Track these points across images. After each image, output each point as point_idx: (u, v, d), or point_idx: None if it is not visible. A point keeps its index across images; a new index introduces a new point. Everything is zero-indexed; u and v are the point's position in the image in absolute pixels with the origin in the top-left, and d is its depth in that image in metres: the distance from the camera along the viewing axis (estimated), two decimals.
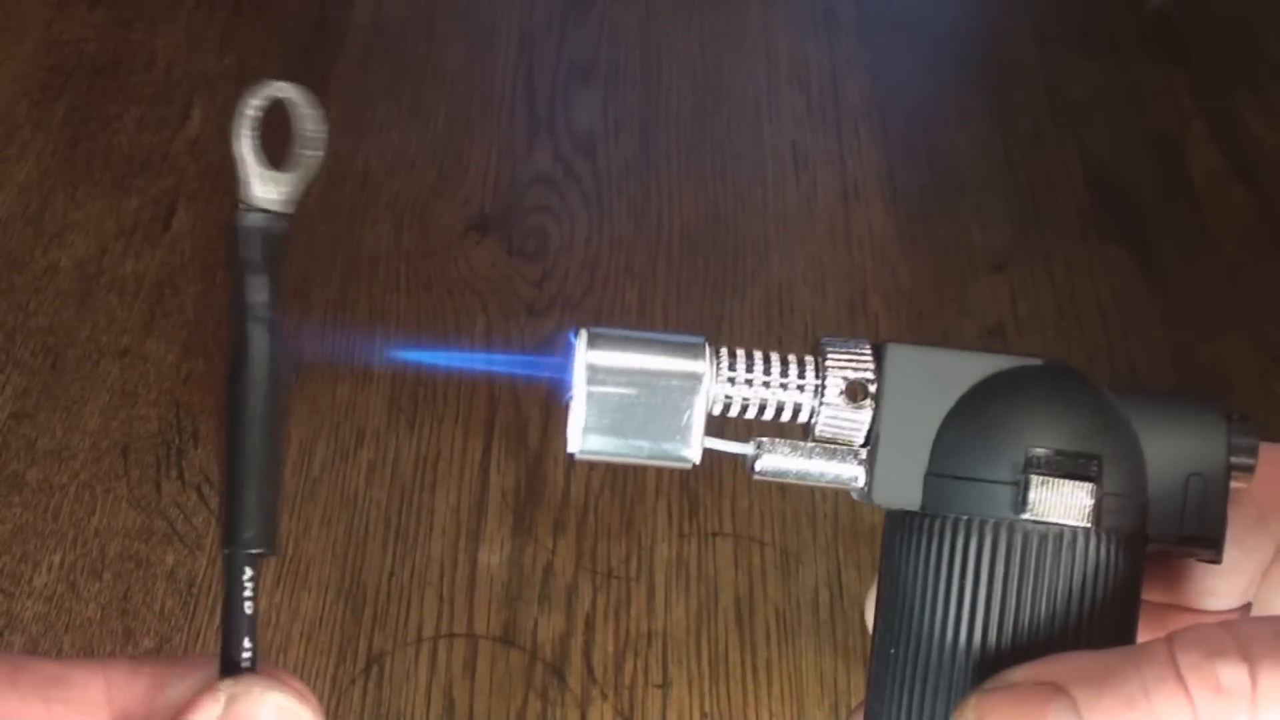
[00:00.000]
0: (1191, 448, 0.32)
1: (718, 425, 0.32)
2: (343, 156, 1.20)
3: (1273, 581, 0.33)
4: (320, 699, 0.94)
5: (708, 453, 0.32)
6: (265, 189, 0.30)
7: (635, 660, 0.88)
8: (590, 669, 0.87)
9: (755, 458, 0.32)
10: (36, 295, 1.07)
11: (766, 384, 0.32)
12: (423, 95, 1.26)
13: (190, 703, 0.29)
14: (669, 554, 0.93)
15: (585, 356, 0.31)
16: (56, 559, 0.91)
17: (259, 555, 0.30)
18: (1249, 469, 0.32)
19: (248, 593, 0.30)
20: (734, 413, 0.32)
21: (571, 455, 0.32)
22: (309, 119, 0.30)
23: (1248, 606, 0.35)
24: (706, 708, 0.86)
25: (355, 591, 0.90)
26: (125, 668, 0.31)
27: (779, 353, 0.32)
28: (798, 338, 1.07)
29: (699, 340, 0.32)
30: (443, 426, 1.00)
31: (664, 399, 0.31)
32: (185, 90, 1.25)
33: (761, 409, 0.32)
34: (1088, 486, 0.30)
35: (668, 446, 0.31)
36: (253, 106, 0.30)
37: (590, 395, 0.31)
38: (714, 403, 0.32)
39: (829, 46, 1.34)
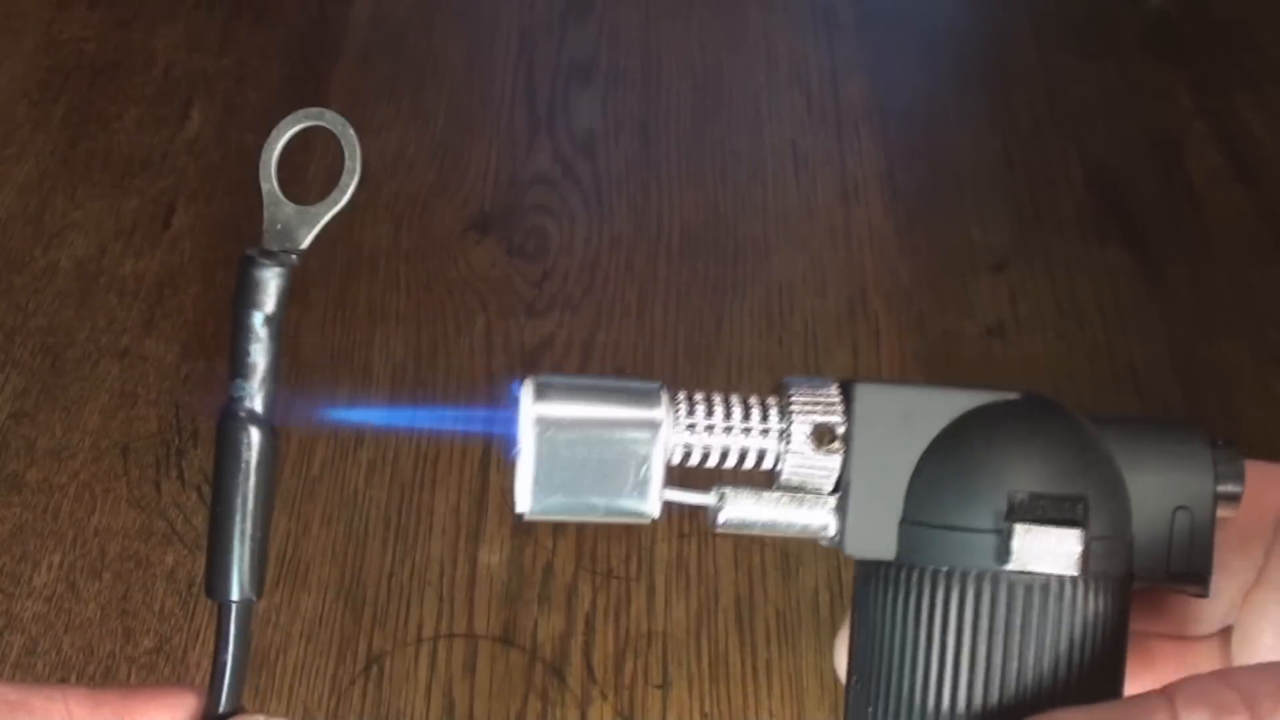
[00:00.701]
0: (1177, 480, 0.30)
1: (677, 475, 0.30)
2: (343, 156, 1.19)
3: (1254, 606, 0.33)
4: (320, 699, 0.93)
5: (667, 509, 0.30)
6: (293, 228, 0.30)
7: (635, 660, 0.88)
8: (590, 669, 0.87)
9: (718, 509, 0.30)
10: (36, 295, 1.07)
11: (728, 430, 0.30)
12: (423, 95, 1.26)
13: None
14: (669, 554, 0.93)
15: (532, 409, 0.29)
16: (56, 559, 0.91)
17: (240, 604, 0.30)
18: (1235, 497, 0.31)
19: (233, 638, 0.30)
20: (694, 461, 0.30)
21: (520, 516, 0.30)
22: (349, 148, 0.30)
23: (1228, 630, 0.34)
24: (706, 708, 0.86)
25: (355, 591, 0.90)
26: (86, 696, 0.30)
27: (740, 395, 0.31)
28: (798, 338, 1.07)
29: (655, 386, 0.30)
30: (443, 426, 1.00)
31: (619, 451, 0.29)
32: (185, 90, 1.25)
33: (724, 456, 0.30)
34: (1075, 533, 0.28)
35: (625, 503, 0.29)
36: (283, 139, 0.30)
37: (539, 451, 0.29)
38: (673, 452, 0.30)
39: (829, 46, 1.34)
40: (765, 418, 0.30)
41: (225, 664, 0.30)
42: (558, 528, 0.94)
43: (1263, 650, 0.32)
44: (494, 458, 0.98)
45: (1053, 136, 1.26)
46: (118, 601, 0.89)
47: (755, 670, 0.88)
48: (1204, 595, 0.31)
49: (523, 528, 0.94)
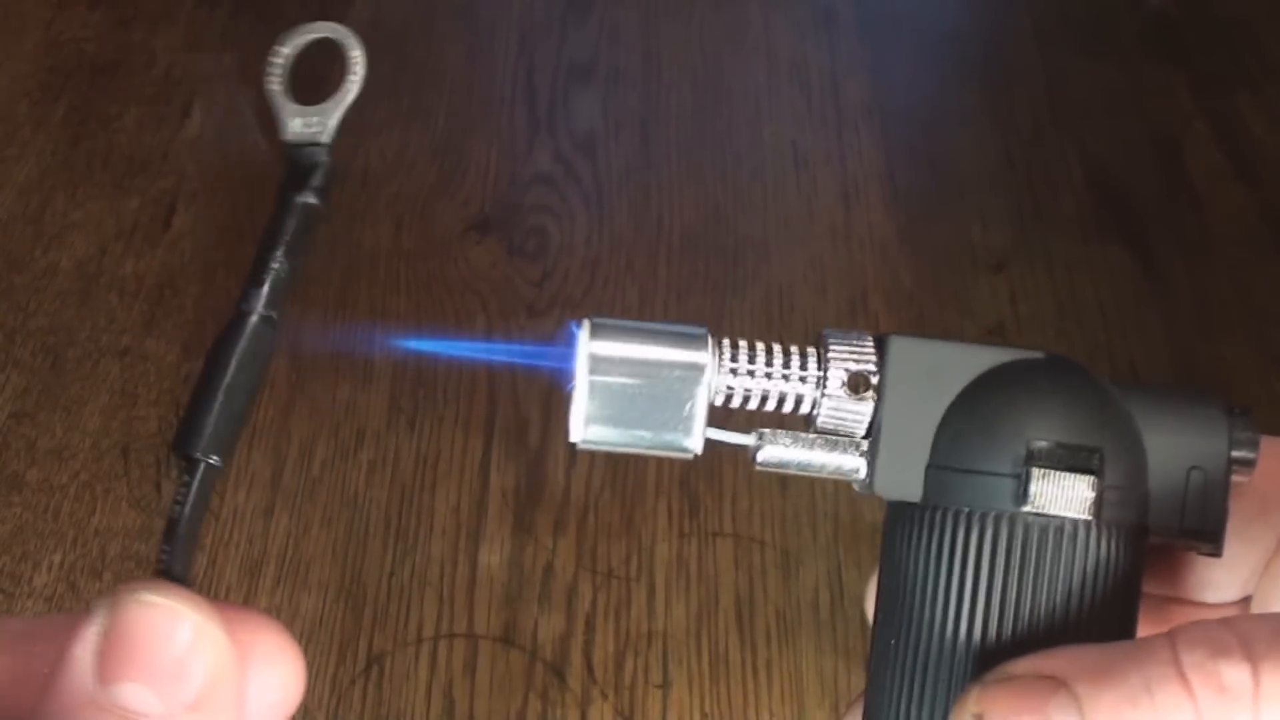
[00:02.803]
0: (1193, 441, 0.32)
1: (719, 416, 0.32)
2: (343, 156, 1.20)
3: (1274, 574, 0.33)
4: (320, 699, 0.92)
5: (709, 447, 0.32)
6: (301, 124, 0.32)
7: (635, 660, 0.88)
8: (590, 669, 0.87)
9: (757, 448, 0.32)
10: (36, 295, 1.07)
11: (769, 375, 0.32)
12: (423, 95, 1.26)
13: (66, 653, 0.27)
14: (669, 554, 0.93)
15: (588, 346, 0.31)
16: (56, 559, 0.91)
17: (204, 463, 0.30)
18: (1250, 463, 0.32)
19: (180, 496, 0.30)
20: (736, 404, 0.32)
21: (573, 444, 0.32)
22: (350, 50, 0.32)
23: (1248, 599, 0.34)
24: (706, 708, 0.86)
25: (355, 591, 0.90)
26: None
27: (781, 344, 0.33)
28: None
29: (702, 331, 0.32)
30: (443, 426, 1.00)
31: (666, 389, 0.31)
32: (185, 90, 1.25)
33: (763, 400, 0.32)
34: (1089, 479, 0.30)
35: (669, 437, 0.31)
36: (283, 54, 0.31)
37: (593, 385, 0.31)
38: (716, 393, 0.32)
39: (829, 46, 1.34)
40: (804, 365, 0.32)
41: (180, 521, 0.30)
42: (557, 527, 0.94)
43: None
44: (494, 458, 0.98)
45: (1053, 136, 1.26)
46: None
47: (755, 670, 0.88)
48: (1217, 554, 0.32)
49: (523, 528, 0.94)
